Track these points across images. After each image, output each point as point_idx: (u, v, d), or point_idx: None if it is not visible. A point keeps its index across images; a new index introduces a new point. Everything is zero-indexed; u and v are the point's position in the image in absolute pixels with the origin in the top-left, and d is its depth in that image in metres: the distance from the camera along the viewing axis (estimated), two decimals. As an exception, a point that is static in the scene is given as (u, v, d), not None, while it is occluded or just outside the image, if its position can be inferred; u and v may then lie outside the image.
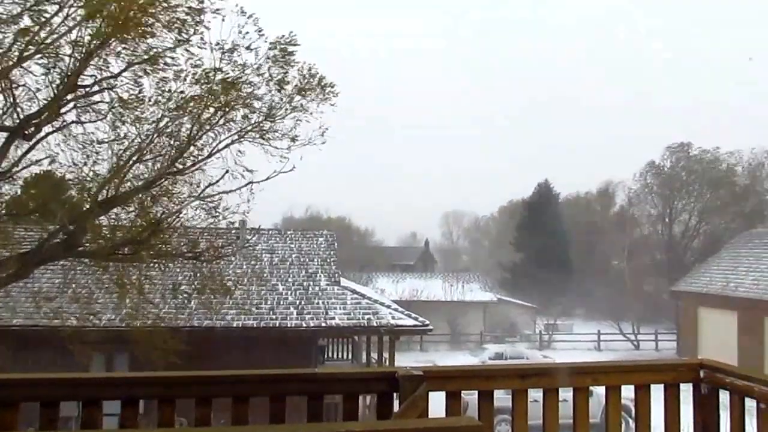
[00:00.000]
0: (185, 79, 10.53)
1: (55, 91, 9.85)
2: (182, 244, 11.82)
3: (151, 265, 11.95)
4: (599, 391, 3.31)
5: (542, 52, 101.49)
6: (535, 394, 3.14)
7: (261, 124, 11.18)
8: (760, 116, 69.18)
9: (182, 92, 10.60)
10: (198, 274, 12.64)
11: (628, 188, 52.32)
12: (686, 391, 3.30)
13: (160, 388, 2.92)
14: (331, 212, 68.59)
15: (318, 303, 17.25)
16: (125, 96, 10.39)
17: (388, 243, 75.84)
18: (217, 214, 11.22)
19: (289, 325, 16.10)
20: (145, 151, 10.67)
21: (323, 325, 16.28)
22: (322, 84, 11.24)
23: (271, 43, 10.76)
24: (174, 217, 11.04)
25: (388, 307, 17.60)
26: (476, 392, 3.11)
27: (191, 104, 10.57)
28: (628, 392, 3.24)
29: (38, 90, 10.08)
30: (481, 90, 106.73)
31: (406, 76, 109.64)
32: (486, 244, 76.23)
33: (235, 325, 15.84)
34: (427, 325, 16.73)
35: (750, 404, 2.95)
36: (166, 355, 10.81)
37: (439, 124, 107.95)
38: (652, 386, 3.25)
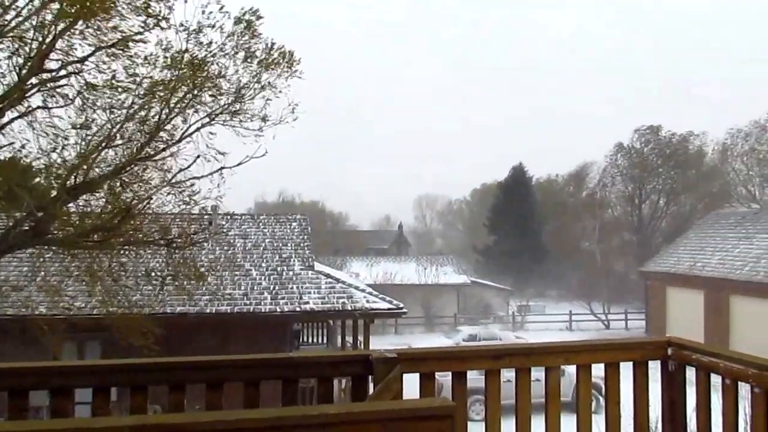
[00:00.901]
0: (153, 63, 10.33)
1: (20, 74, 9.59)
2: (154, 230, 11.66)
3: (123, 252, 11.79)
4: (570, 370, 3.36)
5: (522, 39, 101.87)
6: (509, 374, 3.18)
7: (231, 106, 11.03)
8: (727, 99, 70.49)
9: (151, 76, 10.41)
10: (171, 261, 12.51)
11: (600, 170, 53.08)
12: (654, 368, 3.38)
13: (132, 375, 2.89)
14: (304, 196, 68.34)
15: (292, 288, 17.21)
16: (93, 80, 10.16)
17: (362, 227, 75.92)
18: (189, 199, 11.09)
19: (263, 311, 16.05)
20: (114, 137, 10.46)
21: (297, 309, 16.26)
22: (285, 56, 11.10)
23: (235, 18, 10.62)
24: (145, 203, 10.87)
25: (363, 290, 17.64)
26: (450, 374, 3.14)
27: (160, 87, 10.38)
28: (598, 370, 3.31)
29: (2, 75, 9.83)
30: (456, 75, 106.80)
31: (381, 61, 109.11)
32: (460, 228, 76.73)
33: (208, 311, 15.74)
34: (401, 308, 16.82)
35: (715, 380, 3.03)
36: (139, 342, 10.71)
37: (411, 107, 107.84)
38: (622, 364, 3.31)
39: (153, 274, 13.32)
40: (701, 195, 46.96)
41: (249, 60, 10.87)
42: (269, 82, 11.04)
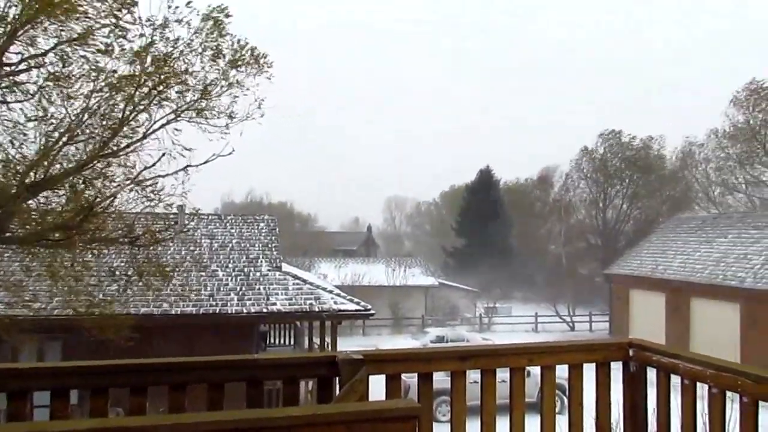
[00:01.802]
0: (118, 58, 10.14)
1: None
2: (117, 228, 11.44)
3: (85, 250, 11.53)
4: (536, 371, 3.40)
5: (492, 45, 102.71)
6: (475, 376, 3.20)
7: (197, 103, 10.87)
8: (688, 105, 72.22)
9: (114, 71, 10.20)
10: (135, 260, 12.28)
11: (564, 174, 53.85)
12: (617, 369, 3.43)
13: (92, 377, 2.83)
14: (272, 197, 67.91)
15: (259, 289, 17.07)
16: (54, 75, 9.92)
17: (331, 228, 75.72)
18: (154, 197, 10.89)
19: (229, 312, 15.89)
20: (75, 132, 10.22)
21: (264, 311, 16.13)
22: (256, 55, 11.01)
23: (203, 15, 10.48)
24: (108, 200, 10.65)
25: (330, 292, 17.60)
26: (417, 375, 3.14)
27: (123, 83, 10.18)
28: (562, 372, 3.35)
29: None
30: (426, 79, 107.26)
31: (353, 63, 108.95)
32: (428, 229, 77.08)
33: (173, 312, 15.51)
34: (369, 309, 16.82)
35: (675, 380, 3.09)
36: (102, 342, 10.50)
37: (380, 110, 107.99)
38: (585, 365, 3.36)
39: (117, 273, 13.07)
40: (663, 199, 48.00)
41: (216, 58, 10.74)
42: (237, 80, 10.93)
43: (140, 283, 12.64)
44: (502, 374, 3.21)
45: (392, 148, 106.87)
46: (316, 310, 16.29)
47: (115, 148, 10.62)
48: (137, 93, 10.29)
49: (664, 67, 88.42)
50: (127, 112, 10.41)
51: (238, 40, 10.93)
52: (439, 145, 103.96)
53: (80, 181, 10.49)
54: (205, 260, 18.23)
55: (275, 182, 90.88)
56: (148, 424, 1.83)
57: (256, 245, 19.97)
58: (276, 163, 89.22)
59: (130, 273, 12.70)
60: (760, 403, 2.63)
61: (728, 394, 2.80)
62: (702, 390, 2.94)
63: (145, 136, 10.73)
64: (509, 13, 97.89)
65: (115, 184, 10.79)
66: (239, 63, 10.86)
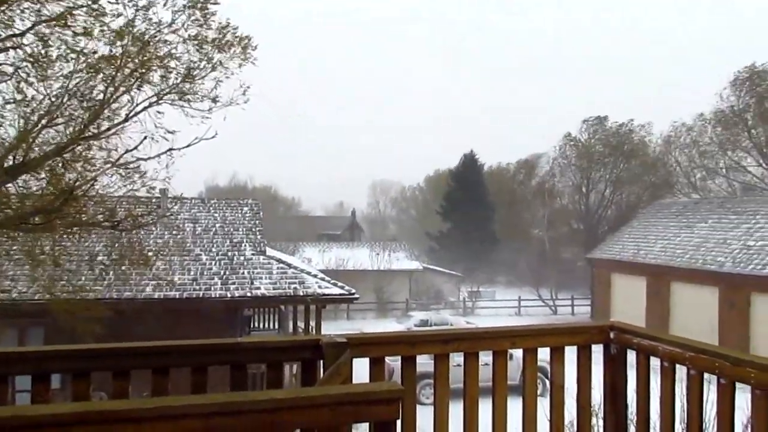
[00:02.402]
0: (99, 39, 9.97)
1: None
2: (99, 212, 11.32)
3: (66, 235, 11.41)
4: (518, 354, 3.43)
5: (477, 33, 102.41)
6: (459, 359, 3.22)
7: (180, 86, 10.73)
8: (671, 94, 72.72)
9: (95, 52, 10.04)
10: (117, 245, 12.18)
11: (550, 159, 54.10)
12: (598, 352, 3.47)
13: (74, 361, 2.81)
14: (256, 181, 67.59)
15: (243, 273, 17.02)
16: (32, 56, 9.73)
17: (315, 212, 75.60)
18: (136, 181, 10.79)
19: (213, 296, 15.83)
20: (55, 115, 10.07)
21: (248, 295, 16.09)
22: (240, 39, 10.87)
23: None
24: (89, 184, 10.53)
25: (315, 276, 17.59)
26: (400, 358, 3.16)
27: (104, 64, 10.02)
28: (545, 354, 3.38)
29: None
30: (409, 62, 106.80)
31: (333, 45, 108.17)
32: (413, 214, 77.15)
33: (156, 297, 15.42)
34: (353, 293, 16.85)
35: (655, 363, 3.13)
36: (84, 327, 10.42)
37: (366, 96, 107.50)
38: (567, 348, 3.39)
39: (98, 258, 12.95)
40: (645, 185, 48.39)
41: (199, 40, 10.59)
42: (221, 62, 10.80)
43: (122, 268, 12.55)
44: (485, 357, 3.23)
45: (377, 132, 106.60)
46: (301, 294, 16.28)
47: (96, 131, 10.48)
48: (118, 75, 10.14)
49: (657, 55, 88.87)
50: (108, 94, 10.27)
51: (221, 22, 10.80)
52: (425, 129, 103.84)
53: (60, 165, 10.35)
54: (188, 244, 18.12)
55: (259, 166, 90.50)
56: (132, 407, 1.82)
57: (240, 229, 19.88)
58: (260, 147, 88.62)
59: (112, 257, 12.60)
60: (737, 384, 2.68)
61: (706, 375, 2.85)
62: (681, 372, 2.98)
63: (127, 119, 10.60)
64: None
65: (96, 168, 10.66)
66: (222, 44, 10.72)
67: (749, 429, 2.65)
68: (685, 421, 2.99)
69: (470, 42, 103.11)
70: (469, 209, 50.86)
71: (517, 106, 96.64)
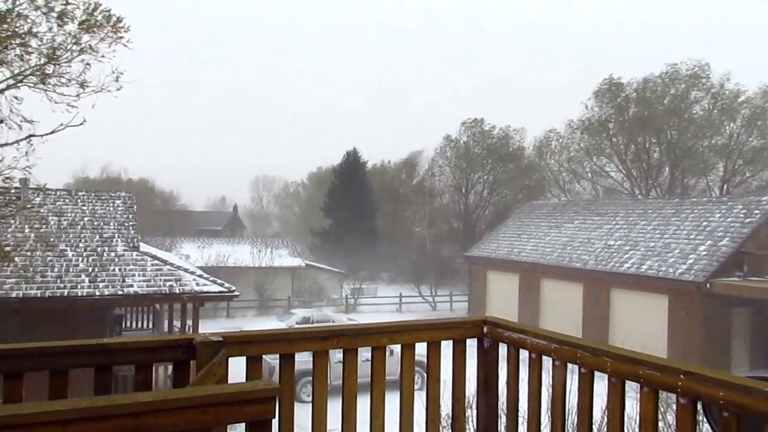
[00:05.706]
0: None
1: None
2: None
3: None
4: (398, 349, 3.48)
5: (363, 27, 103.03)
6: (340, 356, 3.22)
7: (42, 68, 9.88)
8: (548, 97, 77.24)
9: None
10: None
11: (430, 159, 55.71)
12: (472, 345, 3.59)
13: None
14: (131, 173, 64.06)
15: (114, 270, 16.07)
16: None
17: (196, 207, 73.05)
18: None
19: (79, 294, 14.80)
20: None
21: (119, 293, 15.21)
22: (108, 17, 10.17)
23: None
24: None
25: (192, 273, 16.97)
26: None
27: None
28: (423, 349, 3.45)
29: None
30: (296, 56, 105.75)
31: (219, 32, 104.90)
32: (296, 210, 76.56)
33: (14, 296, 14.19)
34: (233, 291, 16.42)
35: (524, 355, 3.29)
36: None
37: (248, 86, 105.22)
38: (443, 342, 3.48)
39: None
40: (520, 187, 51.12)
41: (66, 19, 9.80)
42: (90, 45, 10.06)
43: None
44: (366, 353, 3.25)
45: (261, 127, 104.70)
46: (177, 291, 15.63)
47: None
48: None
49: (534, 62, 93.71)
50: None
51: (94, 3, 10.07)
52: (310, 127, 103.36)
53: None
54: (52, 239, 16.83)
55: (135, 157, 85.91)
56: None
57: (111, 224, 18.76)
58: (136, 137, 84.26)
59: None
60: (596, 372, 2.87)
61: (569, 365, 3.03)
62: (548, 363, 3.15)
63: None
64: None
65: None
66: (90, 25, 9.98)
67: (607, 414, 2.85)
68: (550, 409, 3.17)
69: (360, 41, 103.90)
70: (352, 206, 51.26)
71: (405, 106, 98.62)
